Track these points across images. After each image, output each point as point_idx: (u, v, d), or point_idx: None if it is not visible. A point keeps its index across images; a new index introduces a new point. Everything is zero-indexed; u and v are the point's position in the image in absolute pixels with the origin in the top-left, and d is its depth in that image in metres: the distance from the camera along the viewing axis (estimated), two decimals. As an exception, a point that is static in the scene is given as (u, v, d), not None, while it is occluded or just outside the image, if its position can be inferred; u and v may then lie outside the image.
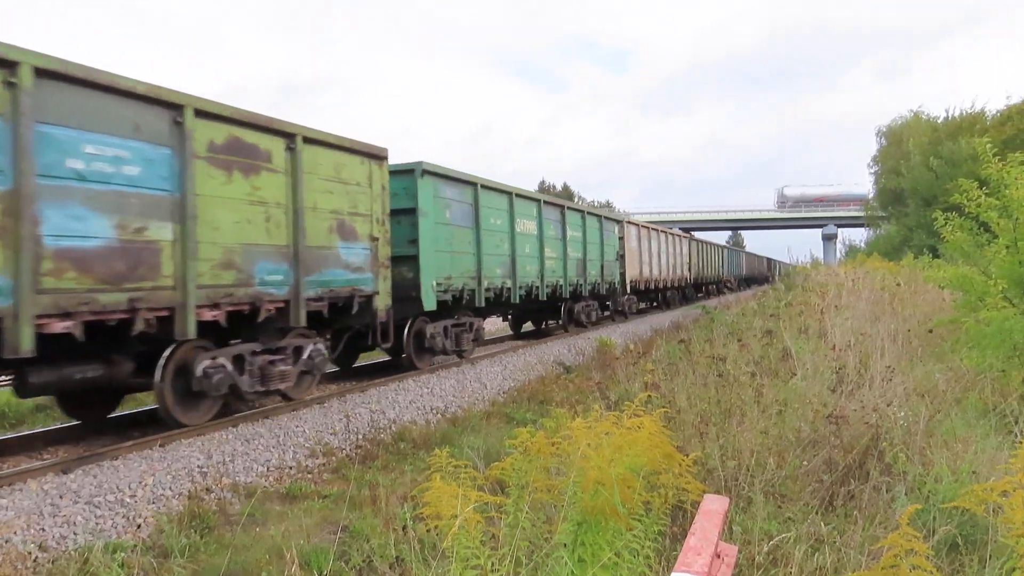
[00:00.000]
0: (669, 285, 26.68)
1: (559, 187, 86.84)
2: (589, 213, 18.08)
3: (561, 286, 15.65)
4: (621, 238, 20.61)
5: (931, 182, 32.72)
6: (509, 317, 17.03)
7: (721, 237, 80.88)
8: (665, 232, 26.54)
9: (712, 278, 36.57)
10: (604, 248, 18.74)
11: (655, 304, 27.38)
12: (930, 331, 8.96)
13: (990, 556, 3.08)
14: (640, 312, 24.09)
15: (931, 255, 19.61)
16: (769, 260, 68.63)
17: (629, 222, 21.95)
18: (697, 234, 44.26)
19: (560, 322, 17.54)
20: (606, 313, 20.73)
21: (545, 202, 15.02)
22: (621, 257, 20.45)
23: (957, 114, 38.16)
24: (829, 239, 79.80)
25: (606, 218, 19.48)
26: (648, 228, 24.07)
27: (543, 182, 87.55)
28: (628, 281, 20.81)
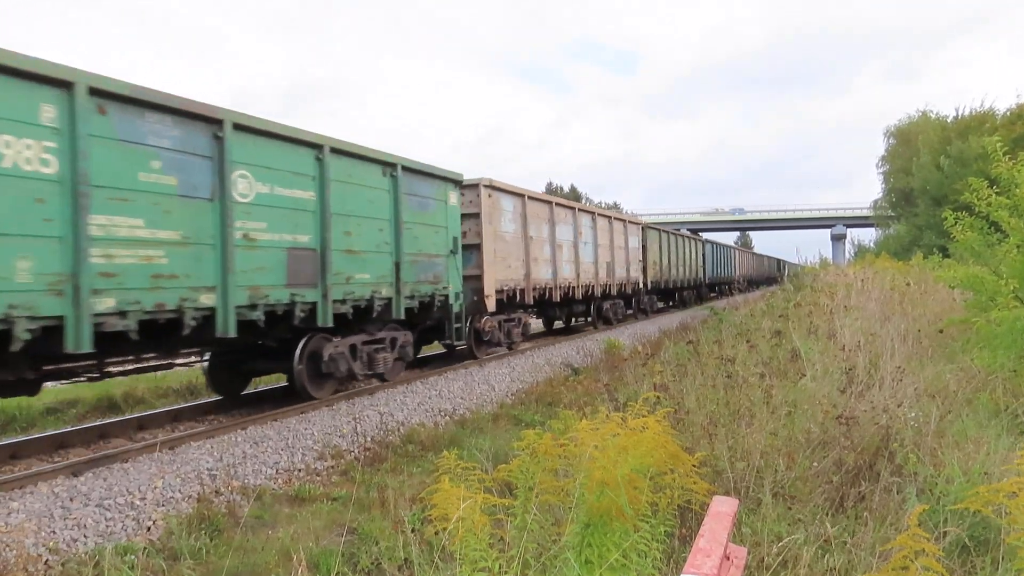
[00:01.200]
0: (604, 292, 18.31)
1: (566, 188, 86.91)
2: (340, 151, 8.50)
3: (209, 310, 6.76)
4: (476, 215, 12.08)
5: (941, 181, 32.57)
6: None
7: (730, 238, 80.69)
8: (591, 213, 17.90)
9: (686, 282, 27.67)
10: (404, 230, 9.53)
11: (587, 320, 18.93)
12: (940, 331, 8.91)
13: (1002, 557, 3.05)
14: (540, 337, 17.18)
15: (941, 255, 19.50)
16: (771, 259, 62.70)
17: (492, 187, 12.50)
18: (705, 234, 43.00)
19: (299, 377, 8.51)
20: (457, 345, 12.44)
21: (92, 91, 5.76)
22: (474, 248, 11.96)
23: (966, 113, 38.02)
24: (838, 239, 79.46)
25: (409, 170, 9.75)
26: (551, 204, 15.19)
27: (550, 183, 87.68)
28: (487, 292, 12.03)
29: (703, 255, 30.93)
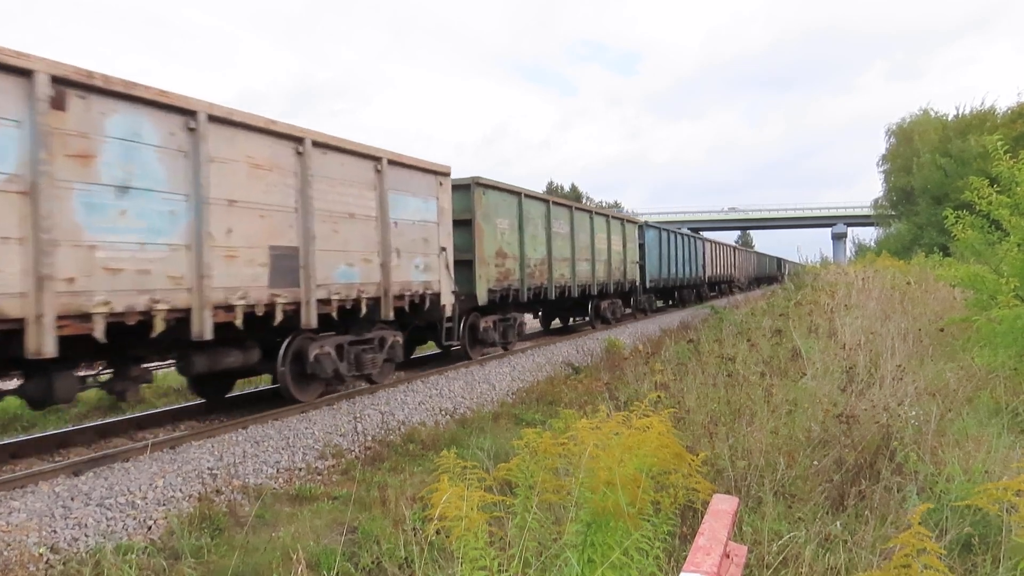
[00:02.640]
0: (293, 317, 7.52)
1: (567, 188, 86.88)
2: None
3: None
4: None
5: (941, 180, 32.58)
6: None
7: (730, 237, 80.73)
8: (241, 126, 6.88)
9: (602, 286, 17.02)
10: None
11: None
12: (941, 330, 8.91)
13: (1004, 556, 3.05)
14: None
15: (942, 253, 19.51)
16: (770, 258, 58.86)
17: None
18: (706, 234, 42.09)
19: None
20: None
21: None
22: None
23: (967, 111, 38.02)
24: (839, 238, 79.50)
25: None
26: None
27: (551, 183, 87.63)
28: None
29: (640, 246, 20.49)
